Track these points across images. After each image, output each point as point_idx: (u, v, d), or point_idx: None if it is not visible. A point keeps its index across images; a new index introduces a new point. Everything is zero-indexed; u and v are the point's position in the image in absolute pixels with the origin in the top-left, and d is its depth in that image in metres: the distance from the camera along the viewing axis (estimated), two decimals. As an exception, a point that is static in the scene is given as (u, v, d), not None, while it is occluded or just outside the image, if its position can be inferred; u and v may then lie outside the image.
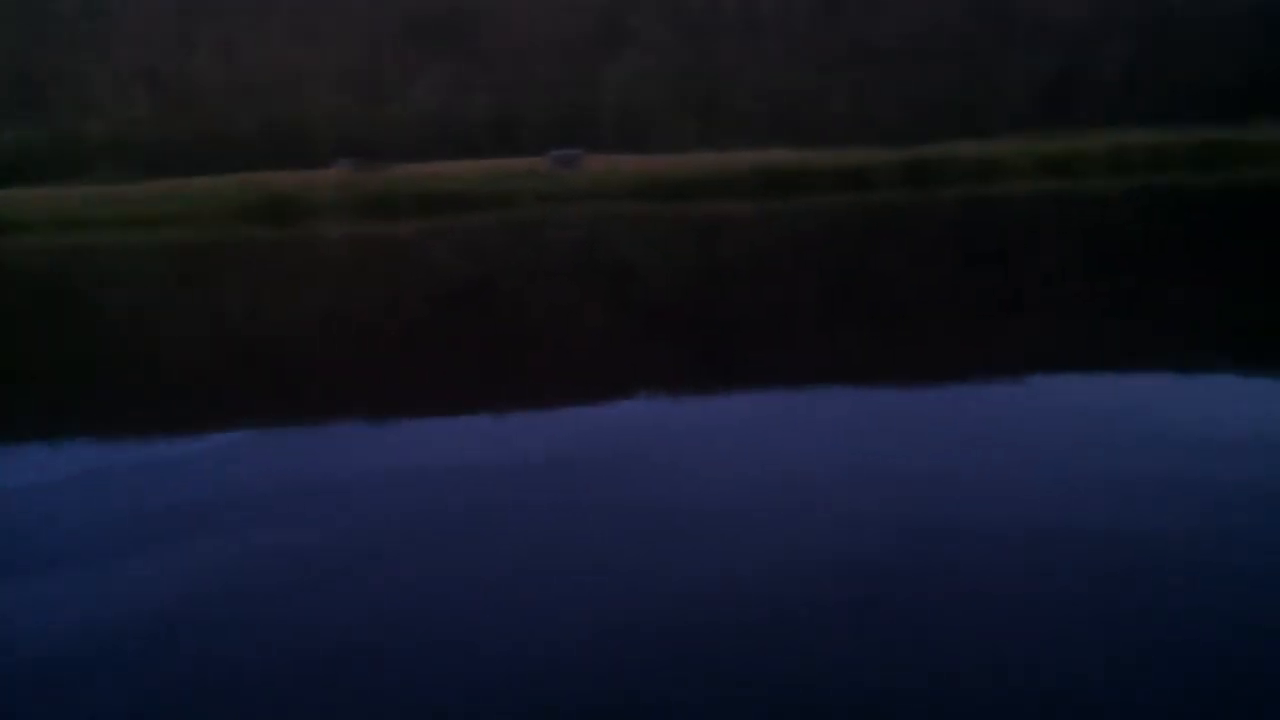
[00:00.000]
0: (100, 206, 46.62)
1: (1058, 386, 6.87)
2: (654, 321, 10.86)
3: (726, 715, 2.73)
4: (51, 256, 28.04)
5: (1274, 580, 3.39)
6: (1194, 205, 23.55)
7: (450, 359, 9.10)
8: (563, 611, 3.45)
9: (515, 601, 3.55)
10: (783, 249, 19.03)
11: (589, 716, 2.78)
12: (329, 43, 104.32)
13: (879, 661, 2.98)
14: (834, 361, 8.19)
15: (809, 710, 2.75)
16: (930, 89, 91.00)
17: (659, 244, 21.21)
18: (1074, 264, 14.45)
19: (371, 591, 3.70)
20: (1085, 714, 2.69)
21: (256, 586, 3.75)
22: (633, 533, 4.24)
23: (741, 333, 9.84)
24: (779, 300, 12.11)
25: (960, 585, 3.52)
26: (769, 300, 12.12)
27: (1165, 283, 11.88)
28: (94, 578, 3.95)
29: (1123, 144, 35.18)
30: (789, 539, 4.11)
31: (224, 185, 44.10)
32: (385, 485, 5.09)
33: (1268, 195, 24.59)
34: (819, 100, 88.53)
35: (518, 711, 2.81)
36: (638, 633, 3.24)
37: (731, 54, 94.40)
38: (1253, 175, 29.06)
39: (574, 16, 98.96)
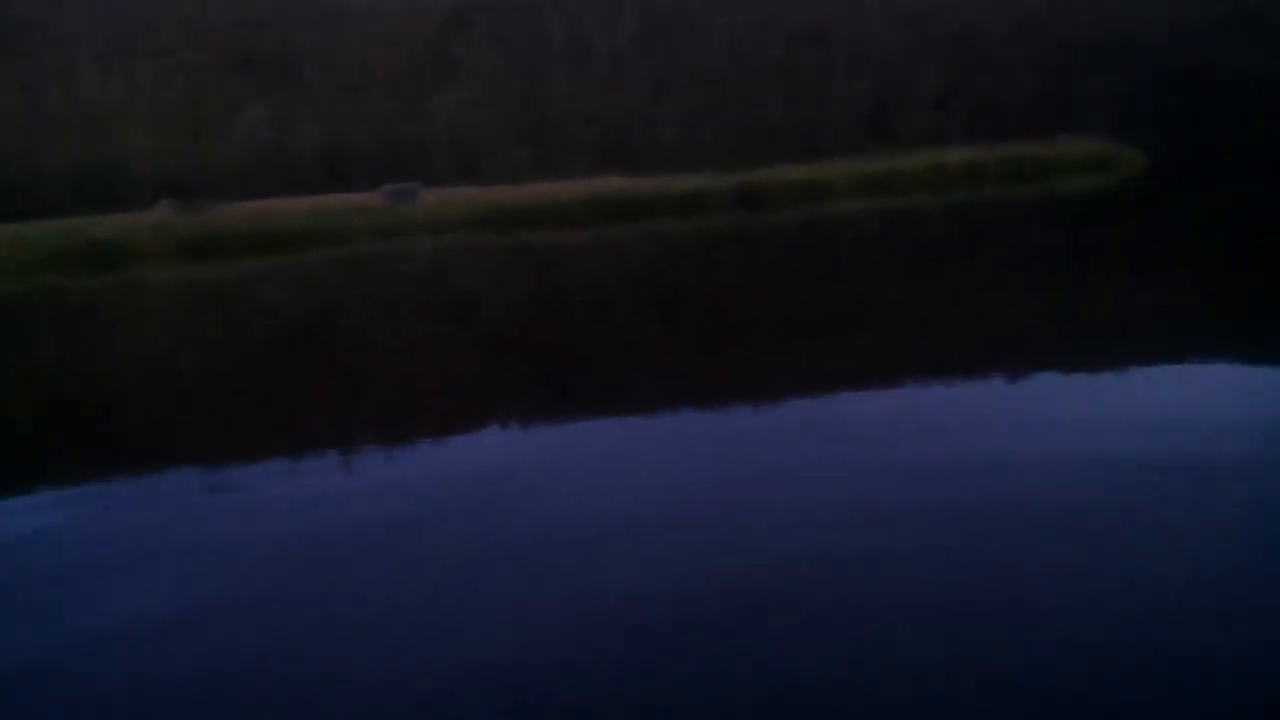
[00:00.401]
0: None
1: (897, 397, 7.12)
2: (501, 353, 10.73)
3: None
4: None
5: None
6: (1008, 217, 24.90)
7: (289, 404, 8.77)
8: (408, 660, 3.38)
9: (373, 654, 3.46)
10: (621, 275, 19.14)
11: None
12: (145, 79, 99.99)
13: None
14: (682, 384, 8.26)
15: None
16: (757, 114, 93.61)
17: (499, 275, 21.04)
18: (902, 276, 15.05)
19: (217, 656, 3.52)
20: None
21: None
22: (487, 572, 4.16)
23: (590, 359, 9.82)
24: (623, 326, 12.16)
25: (804, 605, 3.59)
26: (613, 326, 12.16)
27: (986, 289, 12.50)
28: None
29: (941, 162, 36.90)
30: (647, 566, 4.10)
31: (33, 232, 41.57)
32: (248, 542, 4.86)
33: (1074, 204, 26.23)
34: (649, 127, 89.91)
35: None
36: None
37: (561, 82, 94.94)
38: (1060, 186, 30.93)
39: (400, 48, 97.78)
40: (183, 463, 6.54)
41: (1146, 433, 5.79)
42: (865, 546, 4.24)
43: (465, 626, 3.68)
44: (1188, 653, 3.19)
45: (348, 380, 9.54)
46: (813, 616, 3.62)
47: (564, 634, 3.56)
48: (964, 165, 36.01)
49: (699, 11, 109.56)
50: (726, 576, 4.05)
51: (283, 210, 39.94)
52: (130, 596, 4.23)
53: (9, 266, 39.76)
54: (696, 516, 4.85)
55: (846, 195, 33.40)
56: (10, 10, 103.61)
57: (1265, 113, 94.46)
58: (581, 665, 3.32)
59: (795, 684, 3.13)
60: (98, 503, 5.80)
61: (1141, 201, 26.49)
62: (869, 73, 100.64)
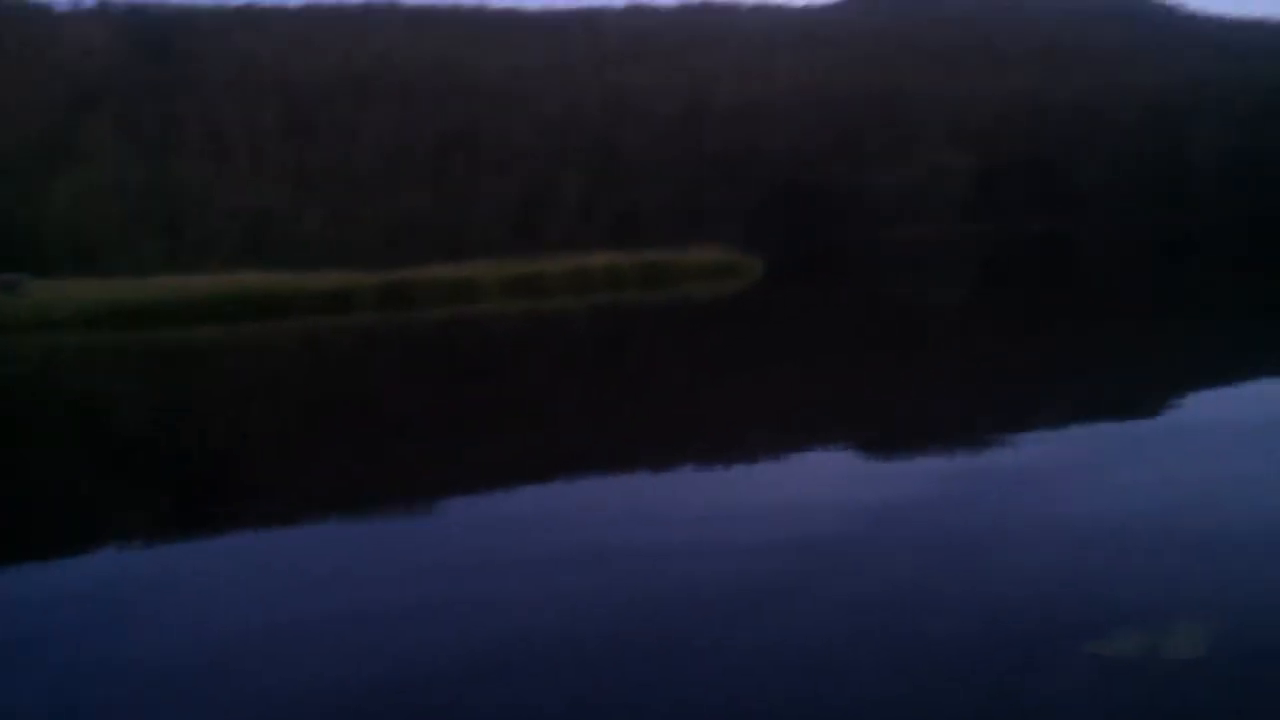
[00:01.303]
0: None
1: (550, 491, 7.06)
2: (120, 462, 9.68)
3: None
4: None
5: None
6: (644, 318, 26.15)
7: None
8: None
9: None
10: (256, 375, 18.09)
11: None
12: None
13: None
14: (324, 484, 7.84)
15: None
16: (406, 212, 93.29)
17: (114, 377, 19.23)
18: (547, 374, 15.26)
19: None
20: None
21: None
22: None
23: (223, 468, 9.07)
24: (253, 429, 11.37)
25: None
26: (242, 430, 11.33)
27: (624, 386, 12.89)
28: None
29: (584, 265, 38.24)
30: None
31: None
32: None
33: (703, 308, 28.03)
34: (292, 221, 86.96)
35: None
36: None
37: (195, 171, 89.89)
38: (691, 290, 32.99)
39: (13, 131, 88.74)
40: None
41: (767, 517, 6.09)
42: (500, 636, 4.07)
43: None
44: None
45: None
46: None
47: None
48: (605, 269, 37.60)
49: (346, 105, 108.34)
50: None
51: None
52: None
53: None
54: (357, 615, 4.78)
55: (494, 295, 33.75)
56: None
57: (861, 223, 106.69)
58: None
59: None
60: None
61: (759, 305, 28.74)
62: (516, 176, 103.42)
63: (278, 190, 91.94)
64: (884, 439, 8.85)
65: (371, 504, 7.29)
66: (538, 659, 4.31)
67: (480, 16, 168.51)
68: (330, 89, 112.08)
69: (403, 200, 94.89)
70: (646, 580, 5.28)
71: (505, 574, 5.51)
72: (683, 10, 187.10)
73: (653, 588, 5.14)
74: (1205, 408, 9.47)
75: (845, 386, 12.36)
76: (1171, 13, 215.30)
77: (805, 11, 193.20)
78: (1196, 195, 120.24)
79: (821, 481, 7.35)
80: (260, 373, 18.75)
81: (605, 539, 6.06)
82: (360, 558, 6.02)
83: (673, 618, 4.71)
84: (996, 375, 12.58)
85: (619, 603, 4.95)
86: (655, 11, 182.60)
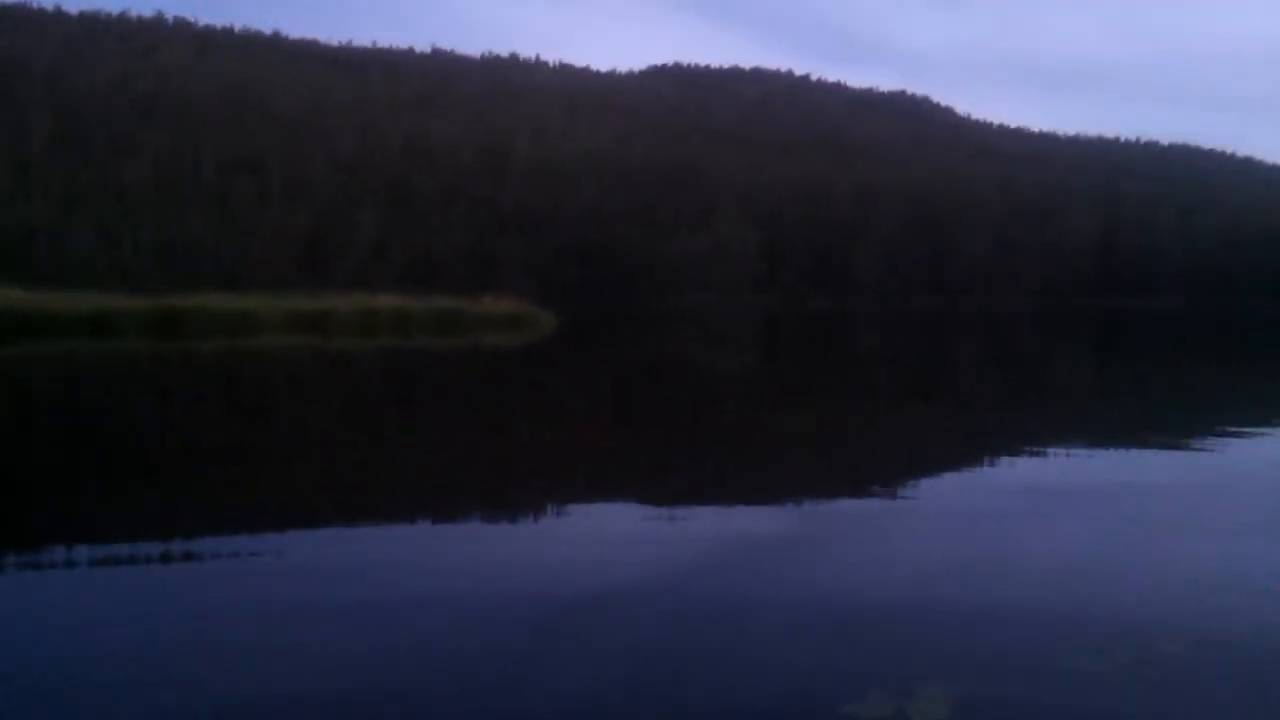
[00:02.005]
0: None
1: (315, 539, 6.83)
2: None
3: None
4: None
5: None
6: (434, 363, 25.80)
7: None
8: None
9: None
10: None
11: None
12: None
13: None
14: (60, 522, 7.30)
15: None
16: (184, 238, 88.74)
17: None
18: (326, 415, 14.80)
19: None
20: None
21: None
22: None
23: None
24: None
25: None
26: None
27: (406, 433, 12.66)
28: None
29: (372, 306, 37.48)
30: None
31: None
32: None
33: (496, 357, 27.94)
34: (60, 240, 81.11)
35: None
36: None
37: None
38: (483, 340, 32.83)
39: None
40: None
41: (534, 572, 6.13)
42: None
43: None
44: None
45: None
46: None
47: None
48: (395, 312, 36.98)
49: (123, 122, 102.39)
50: None
51: None
52: None
53: None
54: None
55: (275, 330, 32.52)
56: None
57: (652, 288, 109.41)
58: None
59: None
60: None
61: (552, 359, 28.95)
62: (305, 210, 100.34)
63: (46, 207, 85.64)
64: (658, 498, 9.06)
65: (108, 546, 6.88)
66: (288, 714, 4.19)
67: (277, 44, 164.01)
68: (107, 104, 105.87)
69: (181, 225, 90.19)
70: (411, 634, 5.22)
71: (256, 624, 5.34)
72: (486, 62, 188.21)
73: (417, 642, 5.09)
74: (946, 489, 10.20)
75: (629, 444, 12.58)
76: (947, 114, 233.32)
77: (607, 78, 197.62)
78: (956, 284, 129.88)
79: (591, 539, 7.46)
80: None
81: (361, 590, 5.96)
82: (99, 603, 5.65)
83: (430, 675, 4.68)
84: (768, 441, 13.11)
85: (382, 657, 4.86)
86: (458, 60, 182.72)
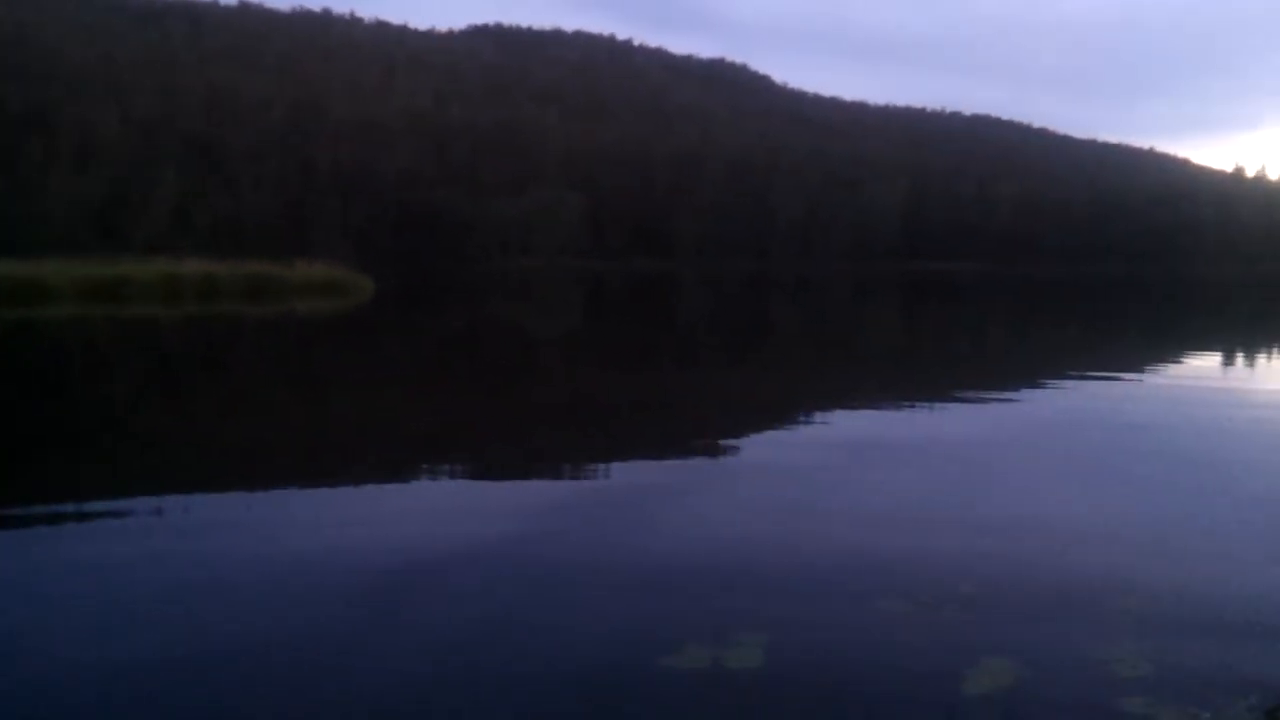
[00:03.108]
0: None
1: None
2: None
3: None
4: None
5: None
6: (243, 331, 24.72)
7: None
8: None
9: None
10: None
11: None
12: None
13: None
14: None
15: None
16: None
17: None
18: (129, 389, 13.99)
19: None
20: None
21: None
22: None
23: None
24: None
25: None
26: None
27: (222, 404, 12.11)
28: None
29: (175, 272, 35.59)
30: None
31: None
32: None
33: (311, 324, 26.99)
34: None
35: None
36: None
37: None
38: (298, 306, 31.65)
39: None
40: None
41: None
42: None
43: None
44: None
45: None
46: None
47: None
48: (201, 278, 35.17)
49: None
50: None
51: None
52: None
53: None
54: None
55: (68, 299, 30.48)
56: None
57: (474, 251, 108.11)
58: None
59: None
60: None
61: (369, 325, 28.20)
62: (100, 171, 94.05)
63: None
64: (478, 467, 8.98)
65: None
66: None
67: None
68: None
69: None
70: (231, 613, 5.03)
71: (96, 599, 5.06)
72: (297, 17, 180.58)
73: (240, 625, 4.90)
74: (773, 443, 10.51)
75: (453, 413, 12.40)
76: (764, 82, 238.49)
77: (425, 37, 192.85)
78: (774, 248, 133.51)
79: (410, 511, 7.34)
80: None
81: (176, 570, 5.69)
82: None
83: (255, 653, 4.53)
84: (590, 405, 13.17)
85: (203, 635, 4.66)
86: (267, 14, 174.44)
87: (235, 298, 33.73)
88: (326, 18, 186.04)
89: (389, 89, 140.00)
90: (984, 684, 4.27)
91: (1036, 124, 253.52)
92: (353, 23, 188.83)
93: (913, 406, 13.10)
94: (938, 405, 13.24)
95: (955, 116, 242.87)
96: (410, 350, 21.15)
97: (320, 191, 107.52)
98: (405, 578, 5.62)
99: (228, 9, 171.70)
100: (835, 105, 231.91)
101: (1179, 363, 19.40)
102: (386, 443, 10.17)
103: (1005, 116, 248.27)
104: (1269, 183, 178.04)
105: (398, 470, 8.63)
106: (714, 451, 9.77)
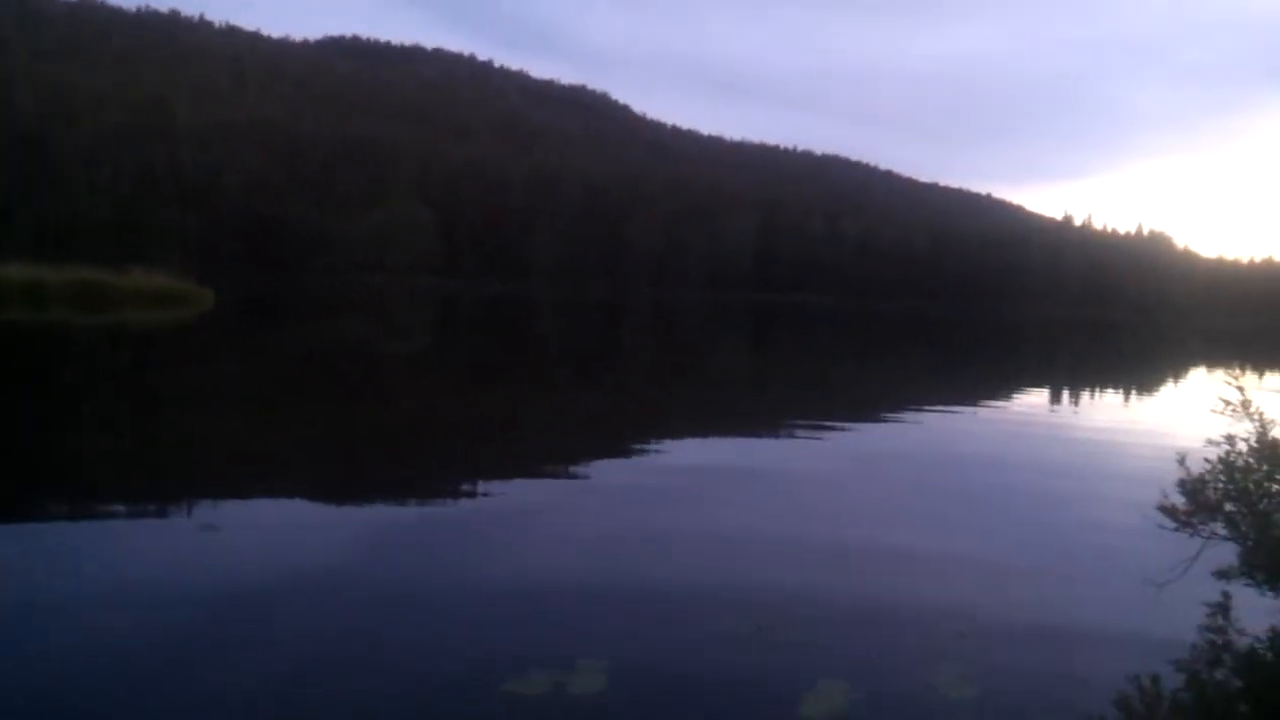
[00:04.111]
0: None
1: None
2: None
3: None
4: None
5: None
6: (70, 343, 23.39)
7: None
8: None
9: None
10: None
11: None
12: None
13: None
14: None
15: None
16: None
17: None
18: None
19: None
20: None
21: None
22: None
23: None
24: None
25: None
26: None
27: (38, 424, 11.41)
28: None
29: (-4, 277, 33.50)
30: None
31: None
32: None
33: (148, 336, 25.72)
34: None
35: None
36: None
37: None
38: (133, 316, 30.18)
39: None
40: None
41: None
42: None
43: None
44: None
45: None
46: None
47: None
48: (25, 284, 33.15)
49: None
50: None
51: None
52: None
53: None
54: None
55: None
56: None
57: (323, 265, 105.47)
58: None
59: None
60: None
61: (204, 338, 27.09)
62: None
63: None
64: (319, 488, 8.73)
65: None
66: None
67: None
68: None
69: None
70: (71, 635, 4.76)
71: None
72: (142, 17, 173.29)
73: (66, 653, 4.64)
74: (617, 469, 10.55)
75: (292, 433, 12.01)
76: (624, 111, 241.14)
77: (279, 45, 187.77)
78: (629, 274, 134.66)
79: (249, 533, 7.05)
80: None
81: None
82: None
83: (95, 675, 4.29)
84: (438, 427, 12.97)
85: (40, 659, 4.39)
86: (110, 11, 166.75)
87: (64, 305, 31.94)
88: (174, 19, 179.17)
89: (238, 96, 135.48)
90: (820, 707, 4.37)
91: (883, 165, 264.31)
92: (201, 26, 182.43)
93: (758, 433, 13.38)
94: (782, 433, 13.56)
95: (806, 155, 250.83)
96: (249, 366, 20.38)
97: (159, 198, 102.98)
98: (233, 605, 5.39)
99: (65, 4, 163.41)
100: (693, 137, 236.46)
101: (1009, 398, 20.39)
102: (218, 463, 9.76)
103: (854, 157, 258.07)
104: (1093, 231, 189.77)
105: (229, 493, 8.28)
106: (561, 474, 9.74)
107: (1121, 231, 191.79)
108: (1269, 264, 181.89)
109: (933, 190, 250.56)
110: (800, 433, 13.67)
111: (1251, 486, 4.02)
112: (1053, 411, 18.54)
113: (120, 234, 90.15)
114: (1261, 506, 4.00)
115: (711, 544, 7.19)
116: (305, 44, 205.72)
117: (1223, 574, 4.02)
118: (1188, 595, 4.19)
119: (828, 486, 9.76)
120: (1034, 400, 20.28)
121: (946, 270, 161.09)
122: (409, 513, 7.97)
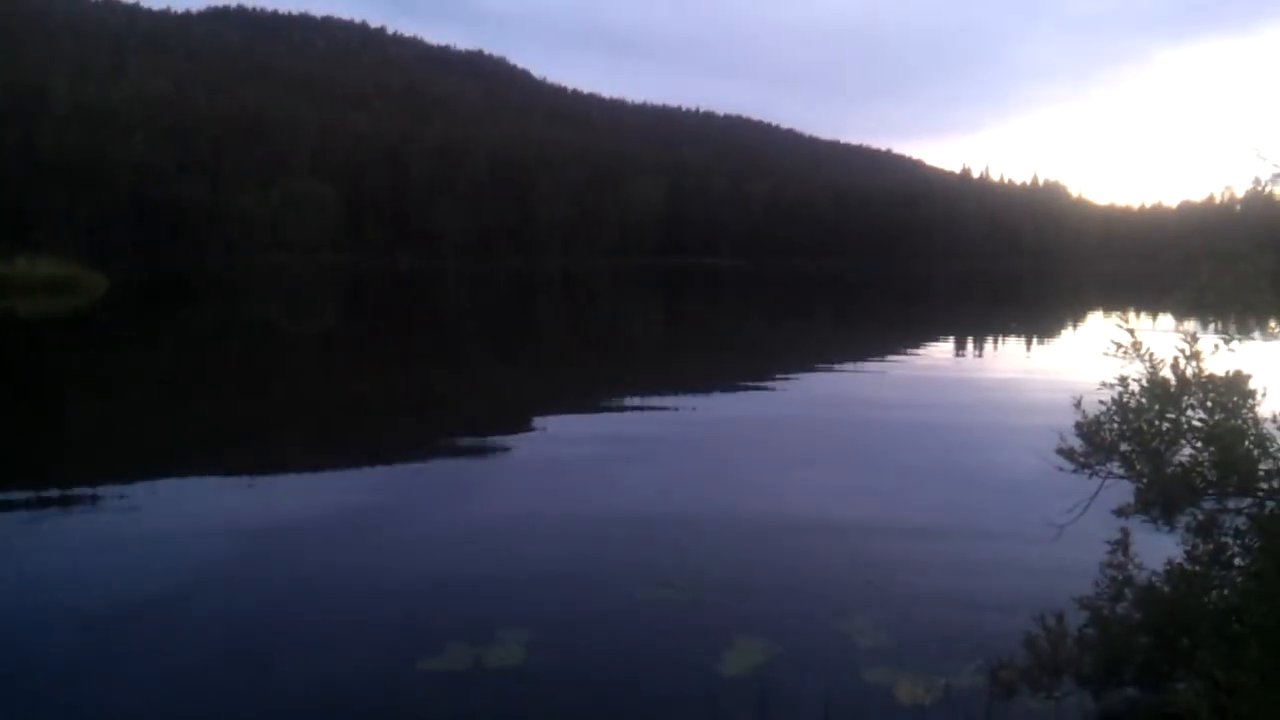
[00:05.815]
0: None
1: None
2: None
3: None
4: None
5: None
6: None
7: None
8: None
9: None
10: None
11: None
12: None
13: None
14: None
15: None
16: None
17: None
18: None
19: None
20: None
21: None
22: None
23: None
24: None
25: None
26: None
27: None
28: None
29: None
30: None
31: None
32: None
33: (34, 325, 24.73)
34: None
35: None
36: None
37: None
38: (21, 306, 29.02)
39: None
40: None
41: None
42: None
43: None
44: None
45: None
46: None
47: None
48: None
49: None
50: None
51: None
52: None
53: None
54: None
55: None
56: None
57: (219, 246, 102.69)
58: None
59: None
60: None
61: (99, 325, 26.15)
62: None
63: None
64: (230, 473, 8.52)
65: None
66: None
67: None
68: None
69: None
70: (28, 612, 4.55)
71: None
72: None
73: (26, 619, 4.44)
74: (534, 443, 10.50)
75: (195, 420, 11.68)
76: (524, 76, 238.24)
77: (161, 17, 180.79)
78: (537, 243, 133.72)
79: (158, 525, 6.84)
80: None
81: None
82: None
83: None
84: (349, 407, 12.75)
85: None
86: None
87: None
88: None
89: (120, 73, 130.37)
90: (740, 664, 4.41)
91: (784, 125, 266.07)
92: (75, 1, 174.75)
93: (672, 398, 13.41)
94: (695, 397, 13.61)
95: (709, 116, 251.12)
96: (145, 352, 19.73)
97: (44, 182, 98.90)
98: (147, 600, 5.23)
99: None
100: (595, 102, 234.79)
101: (915, 353, 20.77)
102: (118, 454, 9.46)
103: (756, 117, 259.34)
104: (991, 183, 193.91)
105: (130, 482, 8.03)
106: (476, 450, 9.66)
107: (1018, 182, 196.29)
108: (1158, 209, 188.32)
109: (834, 148, 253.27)
110: (712, 395, 13.76)
111: (1144, 426, 4.13)
112: (959, 363, 18.95)
113: (5, 221, 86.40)
114: (1154, 445, 4.12)
115: (627, 510, 7.20)
116: (188, 15, 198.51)
117: (1121, 512, 4.13)
118: (1089, 534, 4.32)
119: (740, 448, 9.86)
120: (941, 351, 20.70)
121: (852, 228, 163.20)
122: (322, 495, 7.82)
